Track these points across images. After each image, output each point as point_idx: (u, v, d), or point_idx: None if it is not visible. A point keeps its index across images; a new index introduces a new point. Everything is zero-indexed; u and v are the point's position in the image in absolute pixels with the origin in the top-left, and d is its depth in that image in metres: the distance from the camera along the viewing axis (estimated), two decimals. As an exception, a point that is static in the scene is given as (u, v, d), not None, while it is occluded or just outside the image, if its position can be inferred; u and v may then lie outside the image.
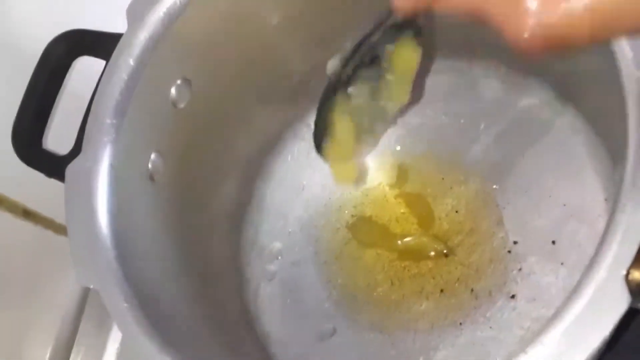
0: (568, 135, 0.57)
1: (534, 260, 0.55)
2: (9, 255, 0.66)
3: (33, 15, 0.62)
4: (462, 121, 0.62)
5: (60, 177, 0.49)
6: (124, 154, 0.49)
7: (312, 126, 0.62)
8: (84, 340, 0.72)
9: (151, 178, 0.52)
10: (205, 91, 0.55)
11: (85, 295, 0.74)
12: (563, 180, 0.56)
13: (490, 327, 0.55)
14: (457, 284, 0.57)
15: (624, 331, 0.51)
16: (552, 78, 0.57)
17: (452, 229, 0.59)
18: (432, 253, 0.58)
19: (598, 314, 0.35)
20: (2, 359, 0.67)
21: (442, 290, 0.58)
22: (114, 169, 0.48)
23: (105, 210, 0.47)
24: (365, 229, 0.61)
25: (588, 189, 0.55)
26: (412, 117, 0.63)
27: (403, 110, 0.62)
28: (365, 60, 0.53)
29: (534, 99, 0.59)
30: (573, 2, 0.27)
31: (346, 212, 0.63)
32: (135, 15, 0.50)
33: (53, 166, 0.52)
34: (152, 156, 0.52)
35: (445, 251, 0.58)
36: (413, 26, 0.51)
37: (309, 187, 0.65)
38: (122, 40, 0.50)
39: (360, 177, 0.63)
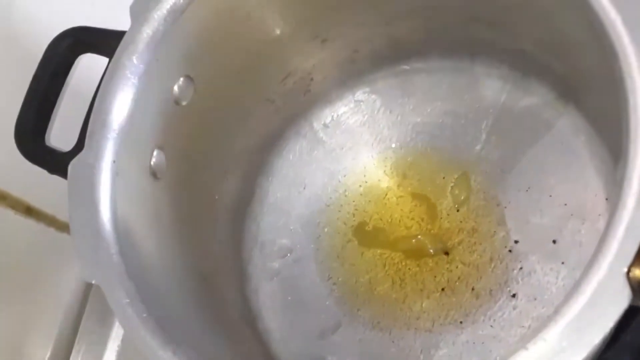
0: (569, 135, 0.57)
1: (534, 259, 0.55)
2: (12, 252, 0.66)
3: (36, 12, 0.63)
4: (462, 121, 0.62)
5: (63, 173, 0.49)
6: (126, 151, 0.49)
7: (315, 125, 0.62)
8: (85, 337, 0.73)
9: (154, 175, 0.52)
10: (208, 89, 0.55)
11: (87, 292, 0.74)
12: (564, 180, 0.56)
13: (491, 326, 0.55)
14: (458, 283, 0.58)
15: (625, 330, 0.51)
16: (553, 78, 0.57)
17: (452, 228, 0.59)
18: (432, 251, 0.58)
19: (599, 310, 0.35)
20: (4, 356, 0.67)
21: (443, 289, 0.58)
22: (117, 165, 0.48)
23: (107, 206, 0.47)
24: (368, 234, 0.61)
25: (589, 188, 0.55)
26: (413, 116, 0.63)
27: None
28: None
29: (535, 99, 0.59)
30: None
31: (347, 210, 0.63)
32: (139, 12, 0.50)
33: (56, 162, 0.52)
34: (155, 153, 0.52)
35: (445, 250, 0.58)
36: None
37: (311, 185, 0.65)
38: (125, 37, 0.50)
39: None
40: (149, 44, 0.50)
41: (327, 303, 0.61)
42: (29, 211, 0.67)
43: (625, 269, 0.35)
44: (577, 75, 0.52)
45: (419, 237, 0.59)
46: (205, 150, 0.58)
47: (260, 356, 0.59)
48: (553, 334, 0.36)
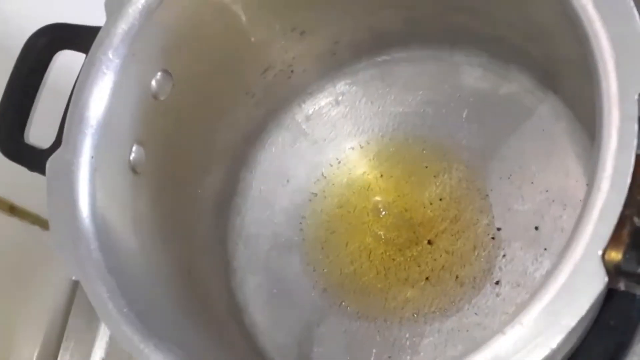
0: (550, 122, 0.57)
1: (517, 246, 0.56)
2: (-3, 251, 0.66)
3: (12, 10, 0.62)
4: (444, 110, 0.62)
5: (43, 170, 0.49)
6: (104, 146, 0.49)
7: (296, 117, 0.62)
8: (73, 334, 0.72)
9: (133, 170, 0.52)
10: (187, 83, 0.55)
11: (74, 289, 0.74)
12: (545, 166, 0.56)
13: (476, 314, 0.55)
14: (442, 272, 0.58)
15: (608, 313, 0.52)
16: (533, 65, 0.57)
17: (436, 217, 0.60)
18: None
19: (575, 294, 0.35)
20: (-8, 354, 0.67)
21: (427, 278, 0.58)
22: (95, 161, 0.48)
23: (86, 202, 0.47)
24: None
25: (570, 174, 0.55)
26: (394, 106, 0.64)
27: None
28: None
29: (515, 86, 0.59)
30: None
31: (331, 201, 0.63)
32: (114, 8, 0.50)
33: (35, 160, 0.52)
34: (134, 148, 0.52)
35: (429, 239, 0.58)
36: None
37: (294, 177, 0.65)
38: (100, 33, 0.50)
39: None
40: (124, 38, 0.49)
41: (312, 295, 0.61)
42: (12, 210, 0.67)
43: (601, 252, 0.35)
44: (555, 61, 0.52)
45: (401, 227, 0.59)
46: (186, 145, 0.58)
47: (246, 349, 0.59)
48: (529, 318, 0.36)
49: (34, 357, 0.72)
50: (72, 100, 0.49)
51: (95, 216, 0.47)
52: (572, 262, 0.36)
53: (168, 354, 0.43)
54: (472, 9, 0.55)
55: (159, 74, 0.53)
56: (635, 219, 0.36)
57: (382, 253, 0.60)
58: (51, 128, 0.52)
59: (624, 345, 0.52)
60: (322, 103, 0.66)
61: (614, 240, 0.36)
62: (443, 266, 0.58)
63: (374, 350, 0.57)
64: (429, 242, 0.59)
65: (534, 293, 0.36)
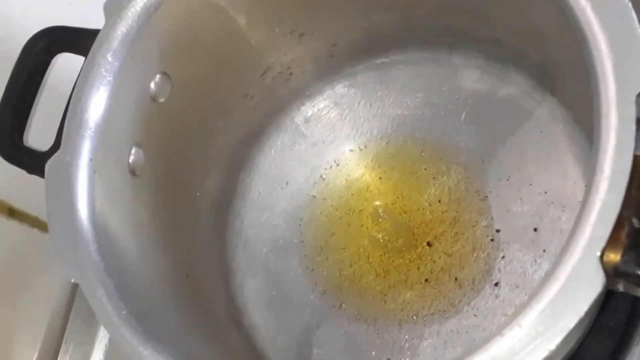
0: (548, 123, 0.57)
1: (516, 247, 0.56)
2: (-4, 254, 0.66)
3: (10, 13, 0.62)
4: (442, 112, 0.62)
5: (42, 173, 0.49)
6: (103, 149, 0.49)
7: (295, 119, 0.62)
8: (72, 337, 0.72)
9: (132, 172, 0.52)
10: (186, 85, 0.55)
11: (74, 292, 0.74)
12: (544, 168, 0.56)
13: (475, 315, 0.55)
14: (441, 273, 0.58)
15: (607, 314, 0.52)
16: (531, 67, 0.57)
17: (435, 219, 0.60)
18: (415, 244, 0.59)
19: (574, 295, 0.35)
20: (-9, 357, 0.67)
21: (426, 280, 0.58)
22: (94, 164, 0.48)
23: (85, 205, 0.47)
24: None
25: (569, 176, 0.55)
26: (392, 109, 0.64)
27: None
28: None
29: (513, 88, 0.59)
30: None
31: (330, 203, 0.63)
32: (113, 10, 0.50)
33: (34, 162, 0.52)
34: (133, 150, 0.52)
35: (428, 241, 0.58)
36: None
37: (293, 180, 0.65)
38: (99, 35, 0.50)
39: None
40: (123, 41, 0.49)
41: (312, 297, 0.61)
42: (11, 213, 0.67)
43: (599, 253, 0.35)
44: (553, 63, 0.52)
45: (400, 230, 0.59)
46: (185, 147, 0.58)
47: (245, 352, 0.59)
48: (528, 320, 0.36)
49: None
50: (71, 103, 0.49)
51: (94, 219, 0.47)
52: (571, 263, 0.36)
53: (167, 356, 0.43)
54: (470, 11, 0.55)
55: (158, 76, 0.53)
56: (634, 220, 0.36)
57: (381, 255, 0.60)
58: (50, 131, 0.52)
59: (623, 347, 0.53)
60: (321, 105, 0.66)
61: (613, 241, 0.36)
62: (442, 268, 0.58)
63: (373, 353, 0.57)
64: (428, 244, 0.59)
65: (533, 295, 0.36)
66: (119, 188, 0.51)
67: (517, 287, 0.55)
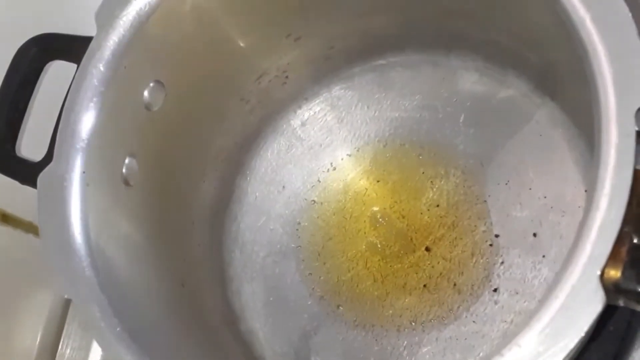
0: (547, 127, 0.57)
1: (515, 253, 0.55)
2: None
3: (2, 20, 0.61)
4: (440, 115, 0.61)
5: (34, 184, 0.48)
6: (96, 160, 0.48)
7: (292, 122, 0.62)
8: (68, 342, 0.72)
9: (126, 182, 0.51)
10: (179, 92, 0.54)
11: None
12: (543, 172, 0.56)
13: (474, 322, 0.55)
14: (439, 279, 0.57)
15: (608, 321, 0.51)
16: (530, 70, 0.56)
17: (433, 223, 0.59)
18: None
19: (574, 314, 0.35)
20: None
21: (425, 285, 0.58)
22: (87, 176, 0.47)
23: (78, 219, 0.47)
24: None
25: (568, 180, 0.55)
26: (390, 112, 0.63)
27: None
28: None
29: (512, 91, 0.59)
30: None
31: (327, 208, 0.63)
32: (104, 19, 0.49)
33: (26, 173, 0.51)
34: (127, 160, 0.51)
35: (426, 246, 0.58)
36: None
37: (290, 183, 0.65)
38: (91, 45, 0.49)
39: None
40: (115, 50, 0.49)
41: (309, 302, 0.60)
42: (5, 218, 0.66)
43: (599, 272, 0.35)
44: (552, 67, 0.52)
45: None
46: (180, 154, 0.57)
47: (242, 359, 0.59)
48: (528, 340, 0.35)
49: (30, 366, 0.72)
50: (62, 115, 0.48)
51: (87, 233, 0.46)
52: (570, 283, 0.35)
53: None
54: (468, 14, 0.55)
55: (151, 84, 0.52)
56: (634, 236, 0.36)
57: (379, 260, 0.60)
58: (43, 139, 0.51)
59: (623, 352, 0.52)
60: (318, 108, 0.65)
61: (613, 258, 0.35)
62: (441, 273, 0.57)
63: (372, 359, 0.57)
64: (427, 249, 0.58)
65: (531, 314, 0.35)
66: (113, 199, 0.50)
67: (517, 293, 0.54)
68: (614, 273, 0.35)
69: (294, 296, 0.61)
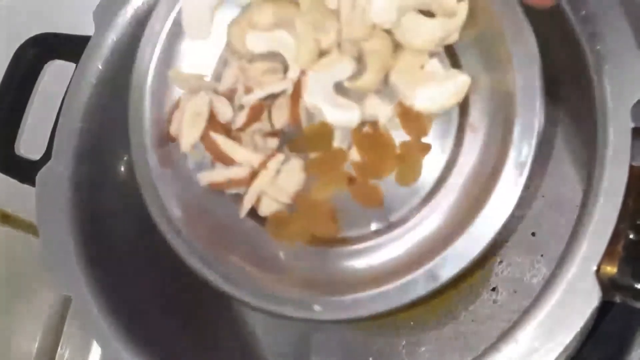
0: (546, 126, 0.56)
1: (514, 252, 0.55)
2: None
3: (0, 20, 0.62)
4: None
5: (34, 182, 0.49)
6: (95, 158, 0.48)
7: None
8: (68, 341, 0.72)
9: (125, 181, 0.51)
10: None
11: (69, 297, 0.73)
12: (542, 171, 0.56)
13: (473, 321, 0.55)
14: (438, 278, 0.57)
15: (606, 320, 0.51)
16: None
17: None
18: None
19: (570, 310, 0.35)
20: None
21: (424, 285, 0.57)
22: (85, 174, 0.48)
23: (77, 217, 0.47)
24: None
25: (566, 179, 0.55)
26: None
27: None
28: None
29: (510, 89, 0.58)
30: None
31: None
32: (103, 18, 0.49)
33: (26, 172, 0.51)
34: (125, 158, 0.51)
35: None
36: None
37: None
38: (89, 44, 0.49)
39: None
40: (113, 49, 0.49)
41: (309, 302, 0.60)
42: (5, 218, 0.66)
43: (595, 268, 0.35)
44: (549, 67, 0.52)
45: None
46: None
47: (242, 358, 0.59)
48: (525, 335, 0.35)
49: (29, 366, 0.72)
50: (61, 113, 0.49)
51: (85, 230, 0.47)
52: (566, 279, 0.35)
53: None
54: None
55: (151, 82, 0.52)
56: (630, 232, 0.36)
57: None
58: (42, 138, 0.52)
59: (621, 352, 0.52)
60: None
61: (609, 254, 0.36)
62: (439, 273, 0.57)
63: (370, 358, 0.57)
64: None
65: (528, 310, 0.36)
66: (111, 198, 0.50)
67: (515, 292, 0.54)
68: (610, 269, 0.36)
69: (295, 296, 0.61)
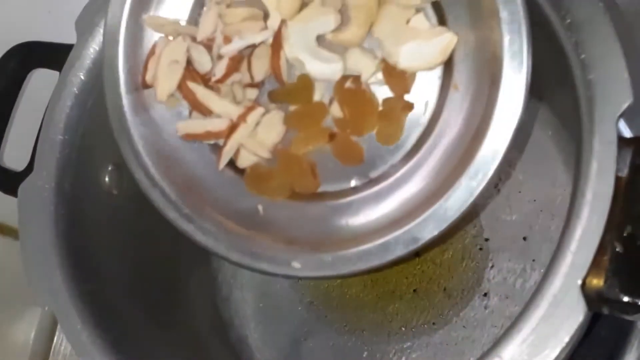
0: (536, 129, 0.56)
1: (505, 257, 0.55)
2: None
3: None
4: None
5: (16, 194, 0.48)
6: (78, 170, 0.48)
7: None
8: (60, 348, 0.72)
9: (109, 191, 0.51)
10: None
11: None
12: (532, 175, 0.56)
13: (464, 327, 0.55)
14: (429, 284, 0.57)
15: (599, 324, 0.51)
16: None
17: (423, 227, 0.59)
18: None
19: (555, 325, 0.35)
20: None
21: (414, 290, 0.57)
22: (68, 186, 0.47)
23: (60, 230, 0.46)
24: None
25: (558, 183, 0.54)
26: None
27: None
28: None
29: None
30: None
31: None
32: (84, 27, 0.49)
33: (9, 183, 0.51)
34: (109, 169, 0.51)
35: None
36: None
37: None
38: (71, 53, 0.49)
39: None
40: (96, 58, 0.48)
41: (299, 308, 0.60)
42: (0, 228, 0.66)
43: (580, 282, 0.34)
44: (539, 72, 0.51)
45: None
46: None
47: (232, 366, 0.59)
48: (509, 351, 0.35)
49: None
50: (43, 124, 0.48)
51: (69, 243, 0.46)
52: (552, 292, 0.35)
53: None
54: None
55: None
56: (616, 244, 0.35)
57: (369, 266, 0.59)
58: (26, 147, 0.51)
59: (615, 356, 0.52)
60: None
61: (595, 266, 0.35)
62: (430, 278, 0.57)
63: (362, 365, 0.57)
64: (417, 254, 0.58)
65: (512, 325, 0.35)
66: (96, 209, 0.50)
67: (507, 297, 0.54)
68: (597, 282, 0.35)
69: (284, 302, 0.61)
